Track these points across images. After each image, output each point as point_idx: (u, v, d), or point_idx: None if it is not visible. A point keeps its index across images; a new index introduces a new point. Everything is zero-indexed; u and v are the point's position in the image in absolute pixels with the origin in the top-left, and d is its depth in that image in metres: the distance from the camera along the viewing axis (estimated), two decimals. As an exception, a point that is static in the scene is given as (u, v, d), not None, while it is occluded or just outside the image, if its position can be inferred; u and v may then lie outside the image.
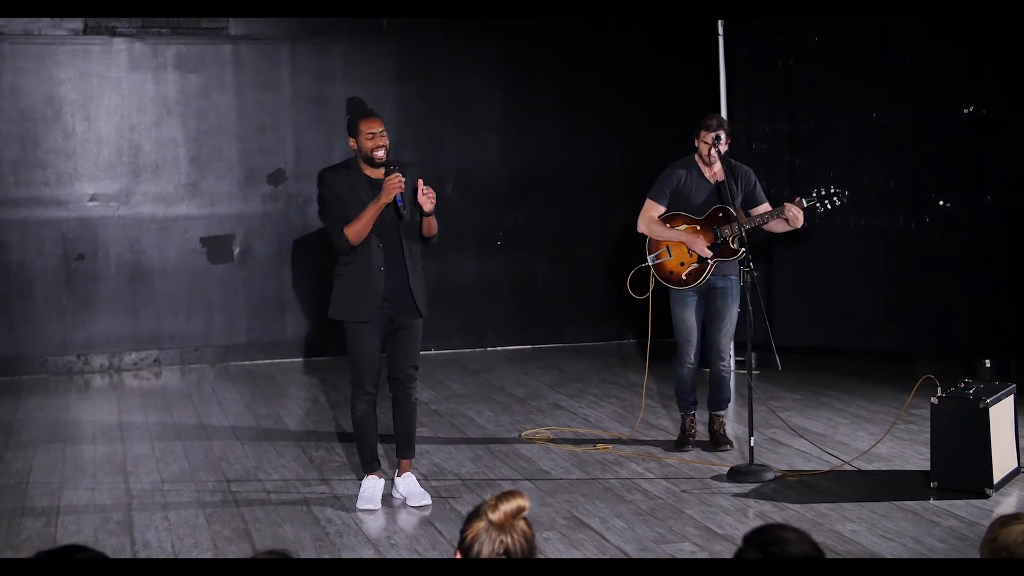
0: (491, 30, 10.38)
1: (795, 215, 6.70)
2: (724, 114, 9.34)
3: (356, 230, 5.90)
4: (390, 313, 6.03)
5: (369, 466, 6.15)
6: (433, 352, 10.37)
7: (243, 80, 10.12)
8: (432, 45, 10.46)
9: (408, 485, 6.15)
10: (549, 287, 10.79)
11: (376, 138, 5.95)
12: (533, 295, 10.77)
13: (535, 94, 10.68)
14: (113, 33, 9.83)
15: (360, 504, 6.05)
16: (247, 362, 10.07)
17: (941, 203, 8.56)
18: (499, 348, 10.62)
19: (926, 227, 8.64)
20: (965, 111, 8.39)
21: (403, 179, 5.85)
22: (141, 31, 9.88)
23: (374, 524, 5.80)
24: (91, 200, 9.83)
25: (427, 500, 6.09)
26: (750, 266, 6.45)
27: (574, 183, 10.73)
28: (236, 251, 10.12)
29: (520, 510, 2.67)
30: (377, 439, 6.23)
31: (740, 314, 6.95)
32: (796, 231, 6.98)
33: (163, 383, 9.53)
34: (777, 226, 6.84)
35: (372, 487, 6.10)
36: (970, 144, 8.42)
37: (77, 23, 9.74)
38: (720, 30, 9.41)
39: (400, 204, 5.89)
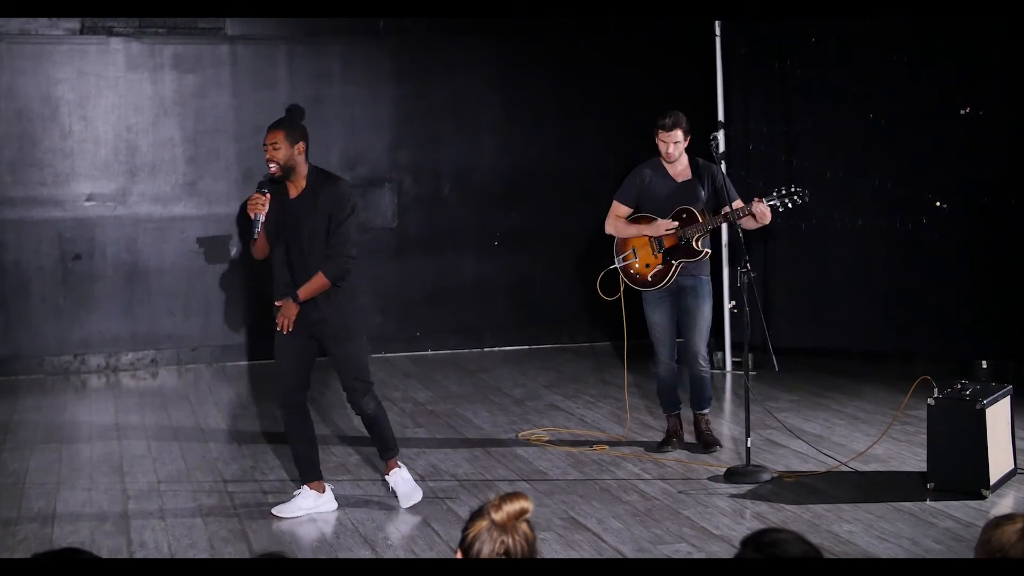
0: (489, 31, 10.37)
1: (762, 211, 6.70)
2: (721, 115, 9.36)
3: (255, 246, 5.87)
4: (314, 332, 5.88)
5: (305, 475, 6.03)
6: (430, 352, 10.38)
7: (240, 80, 10.11)
8: (430, 46, 10.46)
9: (396, 481, 6.07)
10: (546, 288, 10.79)
11: (267, 151, 5.73)
12: (530, 296, 10.77)
13: (533, 95, 10.68)
14: (110, 33, 9.82)
15: (279, 511, 5.94)
16: (244, 362, 10.06)
17: (938, 204, 8.57)
18: (496, 349, 10.61)
19: (923, 228, 8.65)
20: (962, 112, 8.40)
21: (264, 198, 5.66)
22: (138, 31, 9.87)
23: (371, 524, 5.79)
24: (88, 200, 9.81)
25: (416, 498, 6.02)
26: (747, 266, 6.46)
27: (572, 184, 10.73)
28: (233, 251, 10.11)
29: (523, 511, 2.68)
30: (307, 449, 6.04)
31: (737, 315, 6.97)
32: (765, 228, 6.97)
33: (160, 383, 9.52)
34: (747, 223, 6.80)
35: (303, 496, 5.99)
36: (967, 145, 8.43)
37: (74, 23, 9.73)
38: (717, 31, 9.42)
39: (255, 225, 5.72)
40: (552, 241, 10.76)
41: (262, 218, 5.73)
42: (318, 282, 5.73)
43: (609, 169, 10.61)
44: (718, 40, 9.44)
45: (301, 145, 5.72)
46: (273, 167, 5.69)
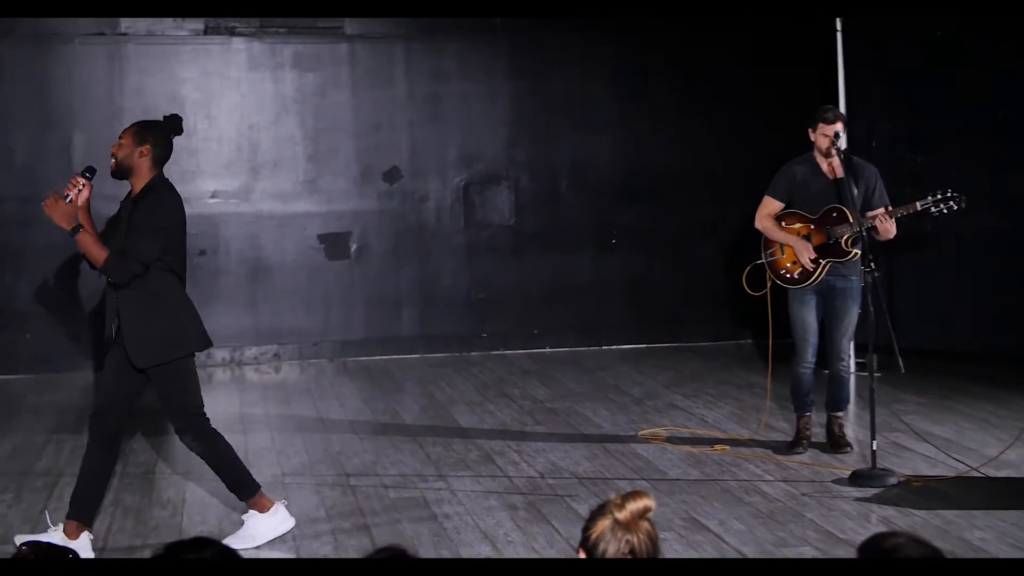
0: (605, 28, 10.32)
1: (885, 228, 6.57)
2: (843, 111, 9.17)
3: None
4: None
5: (72, 513, 5.42)
6: (548, 350, 10.38)
7: (359, 78, 10.23)
8: (546, 43, 10.45)
9: (248, 523, 5.59)
10: (664, 286, 10.70)
11: (114, 145, 5.45)
12: (648, 294, 10.69)
13: (649, 93, 10.60)
14: (232, 33, 10.02)
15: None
16: (364, 357, 10.17)
17: (1072, 203, 8.32)
18: (614, 347, 10.56)
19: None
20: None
21: (82, 182, 5.32)
22: (259, 31, 10.05)
23: (491, 520, 5.80)
24: (212, 197, 10.02)
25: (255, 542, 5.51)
26: (871, 266, 6.33)
27: (689, 182, 10.63)
28: (353, 248, 10.24)
29: (646, 510, 2.68)
30: (86, 486, 5.46)
31: (861, 315, 6.83)
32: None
33: (283, 377, 9.69)
34: (876, 234, 6.67)
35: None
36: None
37: (198, 23, 9.95)
38: (838, 26, 9.25)
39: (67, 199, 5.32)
40: (670, 239, 10.67)
41: (70, 197, 5.30)
42: (99, 253, 5.28)
43: (726, 167, 10.51)
44: (839, 36, 9.27)
45: (146, 148, 5.37)
46: (112, 162, 5.42)
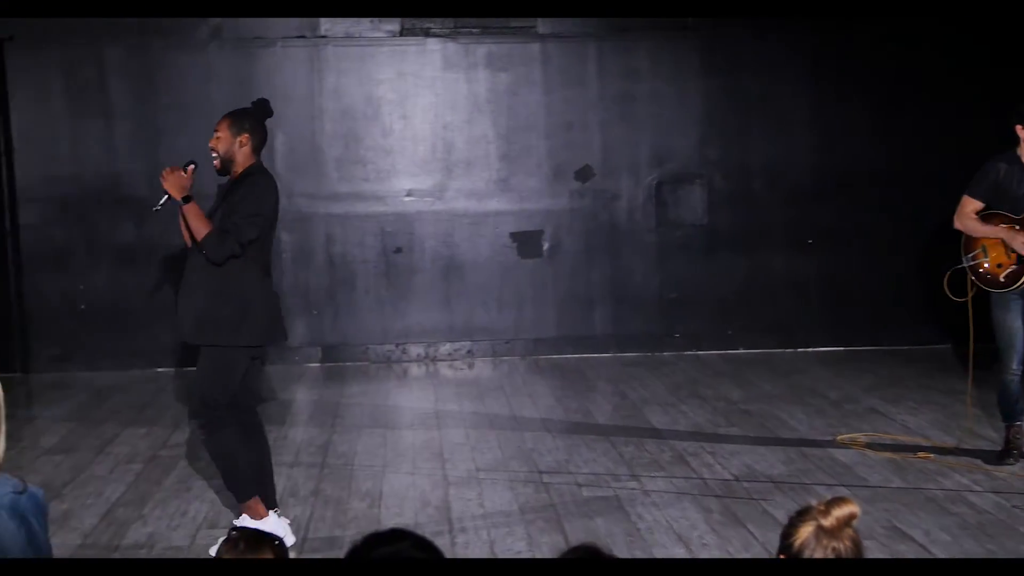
0: (797, 27, 10.08)
1: None
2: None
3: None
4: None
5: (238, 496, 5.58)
6: (742, 351, 10.22)
7: (551, 78, 10.26)
8: (738, 41, 10.28)
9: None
10: (861, 288, 10.39)
11: (212, 139, 5.47)
12: (845, 296, 10.40)
13: (844, 90, 10.30)
14: (427, 34, 10.18)
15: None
16: (556, 356, 10.21)
17: None
18: (810, 349, 10.31)
19: None
20: None
21: (182, 173, 5.35)
22: (453, 32, 10.18)
23: (685, 523, 5.74)
24: (407, 195, 10.21)
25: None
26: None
27: (886, 181, 10.30)
28: (545, 246, 10.28)
29: (852, 516, 2.64)
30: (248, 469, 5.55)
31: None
32: None
33: (476, 374, 9.80)
34: None
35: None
36: None
37: (394, 24, 10.15)
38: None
39: (161, 196, 5.42)
40: (867, 240, 10.36)
41: (176, 197, 5.38)
42: (203, 227, 5.30)
43: (925, 166, 10.15)
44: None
45: (244, 137, 5.40)
46: (214, 156, 5.44)
